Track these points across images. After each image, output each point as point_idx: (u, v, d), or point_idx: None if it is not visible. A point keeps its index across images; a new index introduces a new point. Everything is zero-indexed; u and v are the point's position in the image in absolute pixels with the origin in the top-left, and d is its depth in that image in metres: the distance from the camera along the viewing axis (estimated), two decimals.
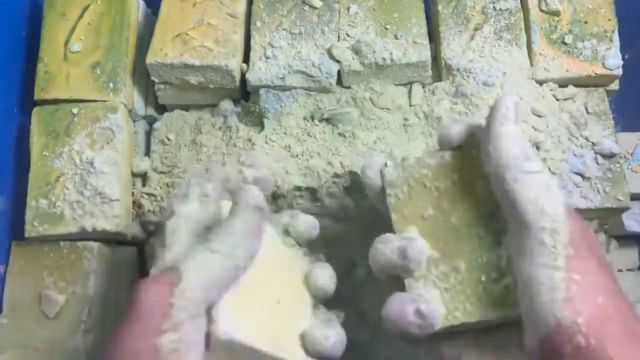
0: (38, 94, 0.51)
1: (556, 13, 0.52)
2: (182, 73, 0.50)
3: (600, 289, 0.30)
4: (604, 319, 0.29)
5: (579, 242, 0.30)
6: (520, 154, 0.32)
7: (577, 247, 0.30)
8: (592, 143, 0.48)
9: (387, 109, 0.50)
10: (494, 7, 0.52)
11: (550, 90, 0.50)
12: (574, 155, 0.48)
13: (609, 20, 0.52)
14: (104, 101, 0.50)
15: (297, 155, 0.49)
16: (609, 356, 0.28)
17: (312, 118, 0.50)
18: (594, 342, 0.28)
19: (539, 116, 0.49)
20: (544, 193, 0.31)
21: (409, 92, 0.51)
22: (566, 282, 0.29)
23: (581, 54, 0.51)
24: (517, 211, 0.31)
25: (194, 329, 0.31)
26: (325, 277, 0.38)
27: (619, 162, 0.48)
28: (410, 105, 0.50)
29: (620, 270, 0.54)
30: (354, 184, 0.47)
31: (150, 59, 0.50)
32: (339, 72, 0.50)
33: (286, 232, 0.40)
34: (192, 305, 0.30)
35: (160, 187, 0.50)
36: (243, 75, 0.51)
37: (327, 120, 0.50)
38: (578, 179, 0.47)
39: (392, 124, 0.50)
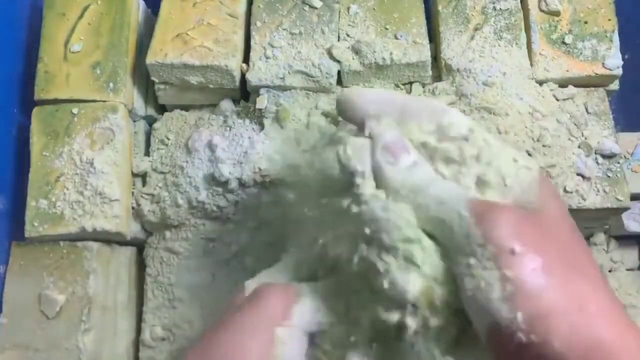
0: (38, 94, 0.51)
1: (556, 13, 0.52)
2: (182, 73, 0.50)
3: (545, 281, 0.28)
4: (549, 314, 0.27)
5: (506, 235, 0.28)
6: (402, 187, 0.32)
7: (505, 240, 0.28)
8: (592, 143, 0.49)
9: None
10: (494, 7, 0.52)
11: (550, 90, 0.50)
12: (574, 155, 0.48)
13: (609, 20, 0.52)
14: (104, 101, 0.50)
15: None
16: (557, 351, 0.27)
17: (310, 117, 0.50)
18: (535, 338, 0.27)
19: (542, 115, 0.49)
20: (440, 209, 0.30)
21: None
22: (499, 281, 0.28)
23: (581, 54, 0.51)
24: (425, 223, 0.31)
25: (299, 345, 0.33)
26: None
27: (619, 162, 0.48)
28: None
29: (611, 271, 0.54)
30: None
31: (150, 59, 0.50)
32: (339, 72, 0.50)
33: None
34: (303, 326, 0.33)
35: (160, 187, 0.50)
36: (243, 75, 0.51)
37: (328, 120, 0.50)
38: (578, 179, 0.47)
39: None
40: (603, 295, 0.29)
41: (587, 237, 0.54)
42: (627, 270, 0.54)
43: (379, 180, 0.32)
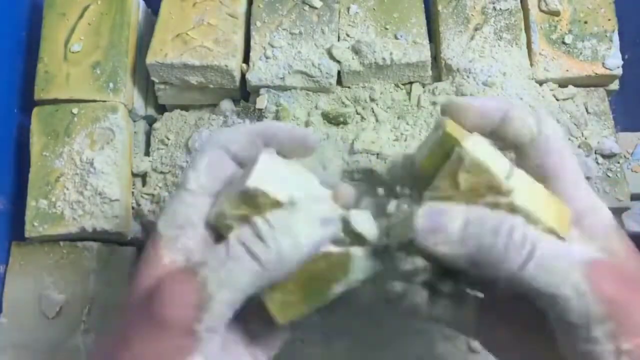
0: (38, 94, 0.51)
1: (556, 13, 0.52)
2: (182, 73, 0.50)
3: None
4: None
5: (616, 302, 0.26)
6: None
7: (623, 315, 0.26)
8: (592, 143, 0.48)
9: (387, 109, 0.50)
10: (494, 7, 0.52)
11: (550, 90, 0.50)
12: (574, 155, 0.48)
13: (609, 20, 0.52)
14: (104, 101, 0.50)
15: None
16: None
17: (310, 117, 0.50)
18: None
19: None
20: (546, 282, 0.27)
21: (409, 92, 0.51)
22: (614, 355, 0.26)
23: (581, 54, 0.51)
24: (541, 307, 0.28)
25: (217, 347, 0.29)
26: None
27: (619, 162, 0.48)
28: (410, 106, 0.50)
29: None
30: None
31: (150, 59, 0.50)
32: (339, 72, 0.50)
33: None
34: (220, 324, 0.28)
35: (160, 187, 0.50)
36: (243, 75, 0.51)
37: (328, 120, 0.50)
38: None
39: (392, 124, 0.50)
40: None
41: None
42: None
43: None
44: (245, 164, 0.33)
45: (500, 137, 0.32)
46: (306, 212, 0.29)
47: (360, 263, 0.30)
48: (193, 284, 0.28)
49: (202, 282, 0.28)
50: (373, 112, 0.50)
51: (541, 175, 0.31)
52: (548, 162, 0.31)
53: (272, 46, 0.51)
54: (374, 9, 0.53)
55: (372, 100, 0.51)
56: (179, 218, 0.31)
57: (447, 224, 0.28)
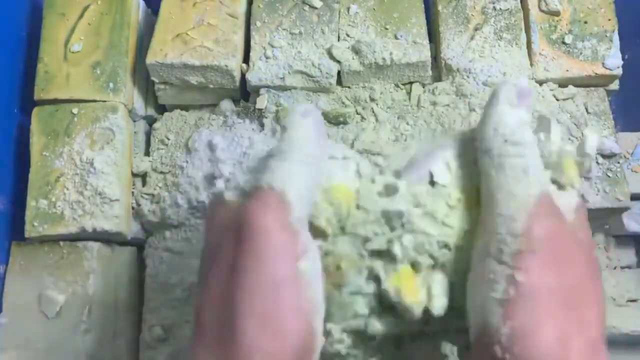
0: (38, 94, 0.51)
1: (556, 13, 0.52)
2: (182, 73, 0.50)
3: (547, 299, 0.26)
4: (533, 333, 0.26)
5: (545, 241, 0.27)
6: (503, 136, 0.29)
7: (538, 245, 0.27)
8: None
9: (387, 109, 0.50)
10: (494, 7, 0.52)
11: (550, 90, 0.50)
12: None
13: (609, 20, 0.52)
14: (104, 101, 0.50)
15: None
16: None
17: None
18: (509, 358, 0.26)
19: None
20: (515, 179, 0.28)
21: (409, 92, 0.51)
22: (506, 280, 0.27)
23: (581, 54, 0.51)
24: (484, 197, 0.29)
25: (315, 249, 0.29)
26: None
27: (619, 162, 0.48)
28: (410, 106, 0.50)
29: (608, 267, 0.54)
30: None
31: (150, 59, 0.50)
32: (339, 72, 0.50)
33: None
34: (305, 223, 0.29)
35: (160, 187, 0.50)
36: (243, 75, 0.51)
37: (328, 120, 0.50)
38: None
39: (392, 124, 0.50)
40: (590, 336, 0.27)
41: None
42: (625, 268, 0.54)
43: (486, 114, 0.31)
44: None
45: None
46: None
47: None
48: (266, 192, 0.29)
49: (270, 187, 0.29)
50: (373, 112, 0.50)
51: None
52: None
53: (272, 46, 0.51)
54: (374, 9, 0.53)
55: (372, 100, 0.51)
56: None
57: None
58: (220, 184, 0.38)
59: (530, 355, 0.25)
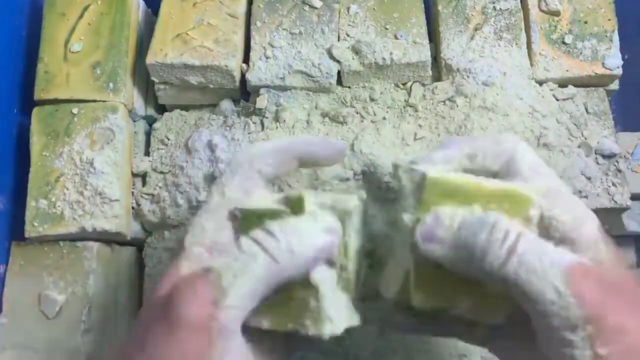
0: (38, 94, 0.51)
1: (556, 13, 0.52)
2: (182, 73, 0.50)
3: (633, 353, 0.26)
4: None
5: (599, 307, 0.26)
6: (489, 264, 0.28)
7: (601, 319, 0.26)
8: (592, 143, 0.48)
9: (387, 109, 0.50)
10: (494, 7, 0.52)
11: (550, 90, 0.50)
12: (574, 155, 0.48)
13: (609, 20, 0.52)
14: (104, 101, 0.50)
15: None
16: None
17: (311, 117, 0.50)
18: None
19: (542, 115, 0.49)
20: (530, 274, 0.27)
21: (409, 92, 0.51)
22: (588, 358, 0.26)
23: (581, 54, 0.51)
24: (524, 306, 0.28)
25: (235, 348, 0.28)
26: None
27: (618, 162, 0.48)
28: (410, 106, 0.50)
29: None
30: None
31: (150, 59, 0.50)
32: (339, 72, 0.50)
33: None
34: (235, 322, 0.28)
35: (160, 187, 0.50)
36: (243, 75, 0.51)
37: (328, 120, 0.50)
38: (578, 179, 0.47)
39: (392, 123, 0.50)
40: None
41: None
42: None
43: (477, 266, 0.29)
44: (271, 180, 0.35)
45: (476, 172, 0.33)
46: (314, 220, 0.30)
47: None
48: (207, 280, 0.28)
49: (216, 277, 0.28)
50: (373, 112, 0.50)
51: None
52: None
53: (272, 46, 0.51)
54: (374, 9, 0.53)
55: (372, 100, 0.50)
56: (206, 235, 0.31)
57: (440, 233, 0.29)
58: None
59: None
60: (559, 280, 0.27)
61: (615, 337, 0.26)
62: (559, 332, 0.27)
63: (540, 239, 0.29)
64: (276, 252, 0.28)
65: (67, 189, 0.48)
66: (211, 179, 0.48)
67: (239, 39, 0.51)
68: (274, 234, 0.29)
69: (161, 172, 0.51)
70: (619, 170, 0.48)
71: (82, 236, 0.48)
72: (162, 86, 0.52)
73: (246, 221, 0.31)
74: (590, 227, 0.31)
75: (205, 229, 0.32)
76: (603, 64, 0.50)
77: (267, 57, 0.51)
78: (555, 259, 0.27)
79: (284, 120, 0.49)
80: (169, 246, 0.50)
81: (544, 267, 0.27)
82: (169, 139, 0.52)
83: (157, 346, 0.27)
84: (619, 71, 0.51)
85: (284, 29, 0.52)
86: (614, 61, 0.50)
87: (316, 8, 0.52)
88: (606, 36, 0.51)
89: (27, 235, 0.47)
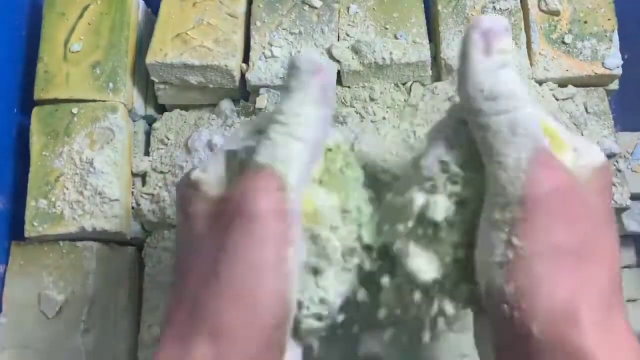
0: (38, 94, 0.51)
1: (556, 13, 0.52)
2: (182, 73, 0.50)
3: (548, 258, 0.26)
4: (538, 291, 0.25)
5: (543, 203, 0.26)
6: (482, 93, 0.27)
7: (535, 207, 0.26)
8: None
9: (387, 109, 0.50)
10: (494, 7, 0.52)
11: (550, 90, 0.50)
12: None
13: (609, 20, 0.52)
14: (104, 101, 0.50)
15: None
16: (532, 334, 0.25)
17: None
18: (517, 315, 0.26)
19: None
20: (503, 142, 0.27)
21: (409, 92, 0.51)
22: (504, 245, 0.26)
23: (581, 54, 0.51)
24: (483, 162, 0.28)
25: (302, 238, 0.29)
26: None
27: (618, 162, 0.48)
28: (410, 106, 0.50)
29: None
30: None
31: (150, 59, 0.50)
32: (339, 72, 0.50)
33: None
34: (299, 204, 0.29)
35: (160, 187, 0.50)
36: (243, 75, 0.51)
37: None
38: None
39: (391, 123, 0.50)
40: (603, 290, 0.27)
41: None
42: (625, 268, 0.54)
43: (461, 72, 0.29)
44: None
45: None
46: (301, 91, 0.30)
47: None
48: (267, 174, 0.28)
49: (271, 170, 0.28)
50: (373, 112, 0.50)
51: None
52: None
53: (272, 46, 0.51)
54: (374, 9, 0.53)
55: (372, 100, 0.51)
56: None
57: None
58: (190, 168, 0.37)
59: (537, 312, 0.25)
60: (527, 156, 0.26)
61: (536, 236, 0.26)
62: (493, 207, 0.27)
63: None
64: (297, 131, 0.29)
65: (67, 189, 0.48)
66: None
67: (239, 39, 0.51)
68: (283, 122, 0.29)
69: (161, 172, 0.51)
70: (619, 170, 0.48)
71: (82, 236, 0.48)
72: (162, 86, 0.52)
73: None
74: (599, 159, 0.30)
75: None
76: (603, 64, 0.50)
77: (267, 57, 0.51)
78: (539, 138, 0.27)
79: None
80: (169, 246, 0.50)
81: (527, 134, 0.27)
82: (169, 139, 0.52)
83: (237, 242, 0.27)
84: (619, 71, 0.51)
85: (284, 29, 0.52)
86: (614, 61, 0.50)
87: (316, 8, 0.52)
88: (606, 36, 0.51)
89: (27, 235, 0.47)
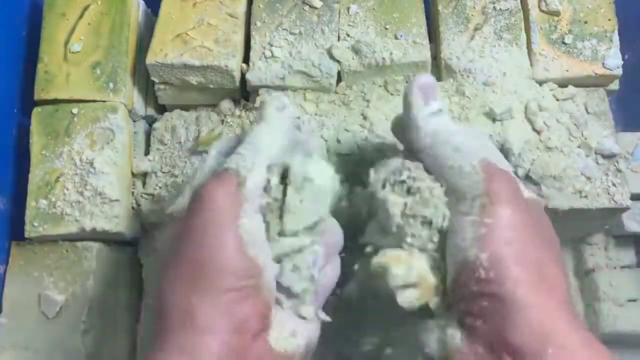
0: (38, 94, 0.51)
1: (556, 13, 0.52)
2: (182, 73, 0.50)
3: (512, 234, 0.31)
4: (509, 259, 0.30)
5: (497, 191, 0.32)
6: (426, 134, 0.35)
7: (495, 196, 0.32)
8: (592, 143, 0.48)
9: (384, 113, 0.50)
10: (494, 7, 0.52)
11: (550, 90, 0.50)
12: (574, 155, 0.48)
13: (609, 20, 0.52)
14: (104, 101, 0.50)
15: None
16: (509, 291, 0.30)
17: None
18: (493, 275, 0.30)
19: (542, 116, 0.49)
20: (454, 158, 0.33)
21: None
22: (476, 225, 0.31)
23: (581, 54, 0.51)
24: (443, 178, 0.34)
25: (258, 223, 0.34)
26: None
27: (618, 162, 0.48)
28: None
29: (614, 268, 0.54)
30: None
31: (150, 59, 0.50)
32: (339, 72, 0.50)
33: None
34: (256, 200, 0.33)
35: (160, 187, 0.50)
36: (243, 75, 0.51)
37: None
38: (578, 179, 0.47)
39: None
40: (562, 269, 0.33)
41: (586, 237, 0.54)
42: (625, 268, 0.54)
43: (406, 118, 0.36)
44: None
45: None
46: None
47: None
48: (230, 175, 0.33)
49: (235, 172, 0.33)
50: (373, 112, 0.50)
51: None
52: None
53: (272, 46, 0.51)
54: (374, 9, 0.53)
55: (372, 100, 0.50)
56: None
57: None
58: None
59: (510, 271, 0.30)
60: (476, 161, 0.33)
61: (501, 213, 0.32)
62: (463, 203, 0.32)
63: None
64: (262, 150, 0.35)
65: (67, 189, 0.48)
66: None
67: (239, 39, 0.51)
68: (251, 142, 0.35)
69: (161, 172, 0.51)
70: (619, 170, 0.48)
71: (82, 236, 0.48)
72: (162, 86, 0.52)
73: None
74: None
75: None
76: (603, 64, 0.50)
77: (267, 57, 0.51)
78: (479, 151, 0.34)
79: None
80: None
81: (468, 150, 0.34)
82: (169, 139, 0.52)
83: (196, 220, 0.32)
84: (619, 71, 0.51)
85: (284, 29, 0.52)
86: (614, 61, 0.50)
87: (316, 8, 0.52)
88: (606, 36, 0.51)
89: (27, 235, 0.47)
